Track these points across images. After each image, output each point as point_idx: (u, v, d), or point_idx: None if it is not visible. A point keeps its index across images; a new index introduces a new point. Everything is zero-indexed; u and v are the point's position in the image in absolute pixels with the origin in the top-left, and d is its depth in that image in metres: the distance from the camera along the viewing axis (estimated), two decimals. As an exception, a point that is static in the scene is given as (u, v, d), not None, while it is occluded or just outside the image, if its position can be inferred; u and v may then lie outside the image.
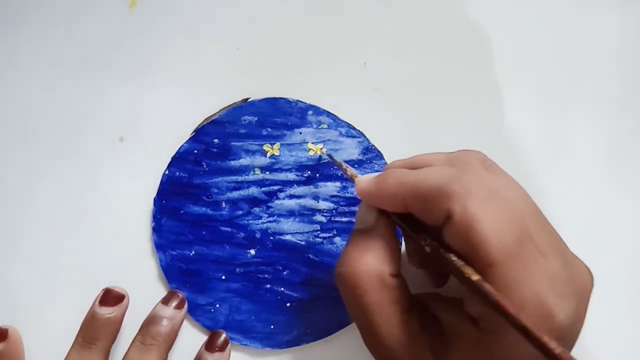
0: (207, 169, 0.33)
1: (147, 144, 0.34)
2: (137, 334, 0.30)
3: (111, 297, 0.31)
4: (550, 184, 0.34)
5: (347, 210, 0.33)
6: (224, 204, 0.33)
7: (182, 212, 0.33)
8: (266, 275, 0.33)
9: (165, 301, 0.32)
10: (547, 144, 0.35)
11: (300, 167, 0.33)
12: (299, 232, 0.33)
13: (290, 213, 0.33)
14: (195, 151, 0.33)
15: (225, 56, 0.34)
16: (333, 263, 0.33)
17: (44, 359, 0.32)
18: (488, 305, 0.20)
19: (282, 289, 0.33)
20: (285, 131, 0.34)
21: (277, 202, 0.33)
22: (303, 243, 0.33)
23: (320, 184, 0.33)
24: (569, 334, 0.21)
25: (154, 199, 0.33)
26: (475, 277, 0.21)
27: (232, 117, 0.34)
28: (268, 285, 0.33)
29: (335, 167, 0.33)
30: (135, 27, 0.34)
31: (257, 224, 0.33)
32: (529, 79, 0.35)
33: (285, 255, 0.33)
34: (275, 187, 0.33)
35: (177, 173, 0.33)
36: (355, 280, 0.24)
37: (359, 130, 0.34)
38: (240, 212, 0.33)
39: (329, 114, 0.34)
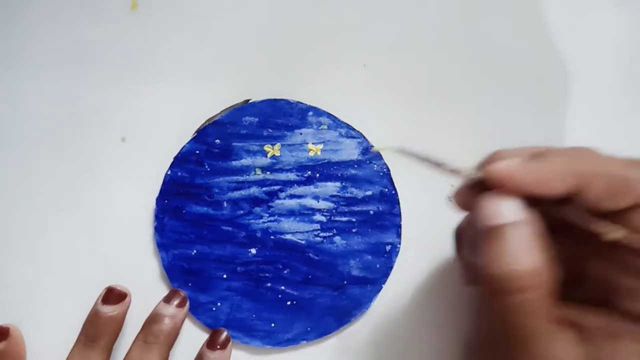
0: (208, 169, 0.34)
1: (149, 144, 0.34)
2: (139, 333, 0.31)
3: (114, 296, 0.31)
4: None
5: (346, 210, 0.34)
6: (225, 204, 0.34)
7: (184, 211, 0.33)
8: (267, 274, 0.33)
9: (167, 300, 0.32)
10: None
11: (300, 168, 0.34)
12: (299, 232, 0.34)
13: (291, 213, 0.34)
14: (197, 151, 0.34)
15: (227, 58, 0.35)
16: (333, 262, 0.33)
17: (46, 359, 0.33)
18: None
19: (283, 287, 0.33)
20: (285, 132, 0.34)
21: (277, 201, 0.34)
22: (303, 242, 0.34)
23: (320, 184, 0.34)
24: None
25: (156, 199, 0.34)
26: None
27: (234, 118, 0.34)
28: (269, 284, 0.33)
29: (335, 167, 0.34)
30: (137, 29, 0.34)
31: (258, 224, 0.34)
32: (527, 78, 0.35)
33: (285, 255, 0.33)
34: (276, 187, 0.34)
35: (179, 173, 0.34)
36: (513, 282, 0.21)
37: (358, 131, 0.34)
38: (242, 211, 0.34)
39: (329, 115, 0.34)
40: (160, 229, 0.33)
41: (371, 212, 0.34)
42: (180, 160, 0.34)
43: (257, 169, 0.34)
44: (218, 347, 0.32)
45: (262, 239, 0.34)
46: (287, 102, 0.34)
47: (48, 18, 0.34)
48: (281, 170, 0.34)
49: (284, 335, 0.33)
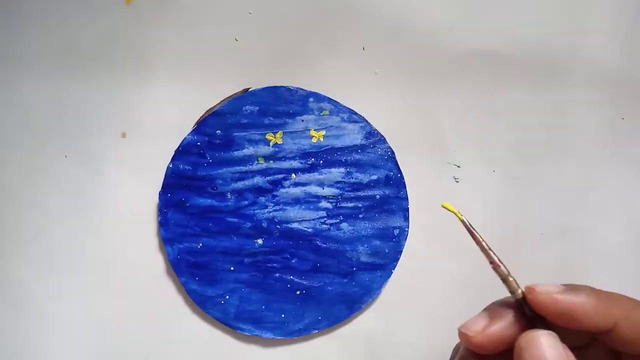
0: (210, 160, 0.33)
1: (149, 138, 0.34)
2: None
3: None
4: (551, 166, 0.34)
5: (352, 195, 0.33)
6: (229, 195, 0.33)
7: (187, 204, 0.33)
8: (275, 264, 0.33)
9: None
10: (547, 132, 0.35)
11: (303, 155, 0.33)
12: (305, 220, 0.33)
13: (296, 201, 0.33)
14: (199, 143, 0.33)
15: (224, 47, 0.34)
16: (340, 249, 0.33)
17: (54, 356, 0.32)
18: None
19: (291, 277, 0.33)
20: (287, 119, 0.34)
21: (282, 190, 0.33)
22: (310, 230, 0.33)
23: (325, 170, 0.33)
24: None
25: (159, 193, 0.33)
26: None
27: (234, 108, 0.33)
28: (277, 274, 0.33)
29: (338, 152, 0.33)
30: (133, 22, 0.34)
31: (263, 213, 0.33)
32: (530, 59, 0.35)
33: (292, 243, 0.33)
34: (280, 176, 0.33)
35: (181, 166, 0.33)
36: None
37: (360, 115, 0.34)
38: (246, 202, 0.33)
39: (330, 100, 0.34)
40: (164, 223, 0.33)
41: (377, 196, 0.33)
42: (182, 152, 0.33)
43: (259, 158, 0.33)
44: None
45: (268, 228, 0.33)
46: (287, 89, 0.34)
47: (44, 13, 0.34)
48: (284, 158, 0.33)
49: (295, 326, 0.33)
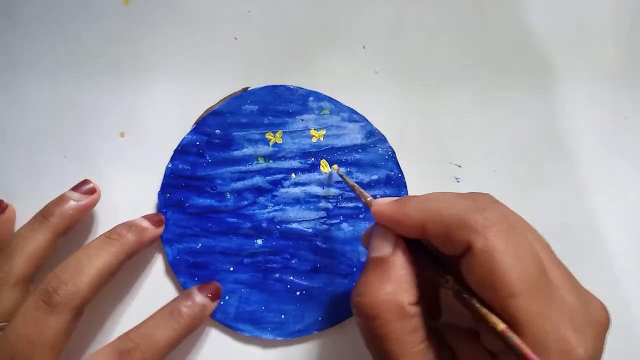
0: (210, 160, 0.33)
1: (148, 137, 0.34)
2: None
3: (84, 188, 0.32)
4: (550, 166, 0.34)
5: (352, 195, 0.33)
6: (228, 195, 0.33)
7: (187, 204, 0.33)
8: (274, 265, 0.33)
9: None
10: (547, 129, 0.35)
11: (303, 154, 0.33)
12: (305, 220, 0.33)
13: (296, 201, 0.33)
14: (198, 143, 0.33)
15: (224, 46, 0.34)
16: (341, 249, 0.33)
17: None
18: (512, 353, 0.20)
19: (291, 277, 0.33)
20: (287, 119, 0.33)
21: (282, 190, 0.33)
22: (310, 230, 0.33)
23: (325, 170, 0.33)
24: None
25: (158, 193, 0.33)
26: (501, 326, 0.21)
27: (233, 107, 0.33)
28: (277, 275, 0.33)
29: (338, 152, 0.33)
30: (132, 21, 0.34)
31: (263, 214, 0.33)
32: (528, 61, 0.35)
33: (292, 244, 0.33)
34: (280, 176, 0.33)
35: (180, 166, 0.33)
36: (375, 310, 0.23)
37: (361, 115, 0.34)
38: (246, 202, 0.33)
39: (330, 100, 0.33)
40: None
41: (378, 196, 0.33)
42: (181, 152, 0.33)
43: (259, 158, 0.33)
44: (208, 295, 0.31)
45: (268, 229, 0.33)
46: (286, 88, 0.33)
47: (44, 13, 0.34)
48: (284, 158, 0.33)
49: (295, 326, 0.32)
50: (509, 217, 0.23)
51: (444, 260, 0.24)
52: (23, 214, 0.33)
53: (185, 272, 0.32)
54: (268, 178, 0.33)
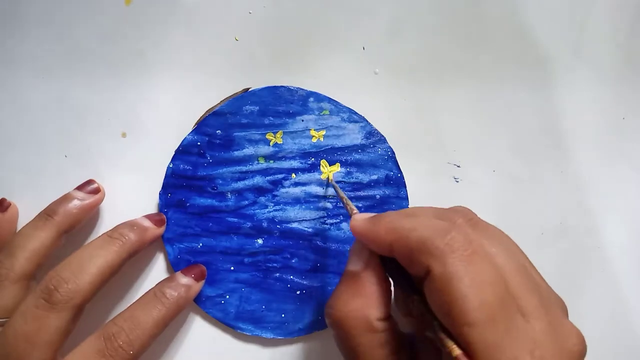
0: (211, 160, 0.33)
1: (149, 138, 0.34)
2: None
3: (89, 188, 0.32)
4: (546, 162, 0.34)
5: (352, 195, 0.33)
6: (229, 195, 0.33)
7: (188, 204, 0.33)
8: (275, 264, 0.33)
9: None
10: (548, 125, 0.35)
11: (304, 155, 0.33)
12: (305, 220, 0.33)
13: (296, 200, 0.33)
14: (199, 143, 0.33)
15: (224, 47, 0.34)
16: (341, 249, 0.33)
17: None
18: None
19: (292, 277, 0.33)
20: (287, 119, 0.34)
21: (282, 190, 0.33)
22: (310, 230, 0.33)
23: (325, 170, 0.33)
24: None
25: (159, 193, 0.33)
26: (456, 352, 0.20)
27: (234, 108, 0.33)
28: (277, 274, 0.33)
29: (338, 152, 0.33)
30: (133, 22, 0.34)
31: (264, 213, 0.33)
32: (529, 58, 0.35)
33: (293, 243, 0.33)
34: (280, 176, 0.33)
35: (181, 166, 0.33)
36: (344, 324, 0.24)
37: (360, 115, 0.34)
38: (246, 202, 0.33)
39: (330, 100, 0.34)
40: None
41: (377, 196, 0.33)
42: (182, 152, 0.33)
43: (260, 158, 0.33)
44: (192, 275, 0.31)
45: (269, 228, 0.33)
46: (287, 88, 0.34)
47: (44, 13, 0.34)
48: (284, 158, 0.33)
49: (295, 325, 0.33)
50: (473, 241, 0.22)
51: (416, 279, 0.24)
52: (24, 213, 0.33)
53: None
54: (268, 178, 0.33)
